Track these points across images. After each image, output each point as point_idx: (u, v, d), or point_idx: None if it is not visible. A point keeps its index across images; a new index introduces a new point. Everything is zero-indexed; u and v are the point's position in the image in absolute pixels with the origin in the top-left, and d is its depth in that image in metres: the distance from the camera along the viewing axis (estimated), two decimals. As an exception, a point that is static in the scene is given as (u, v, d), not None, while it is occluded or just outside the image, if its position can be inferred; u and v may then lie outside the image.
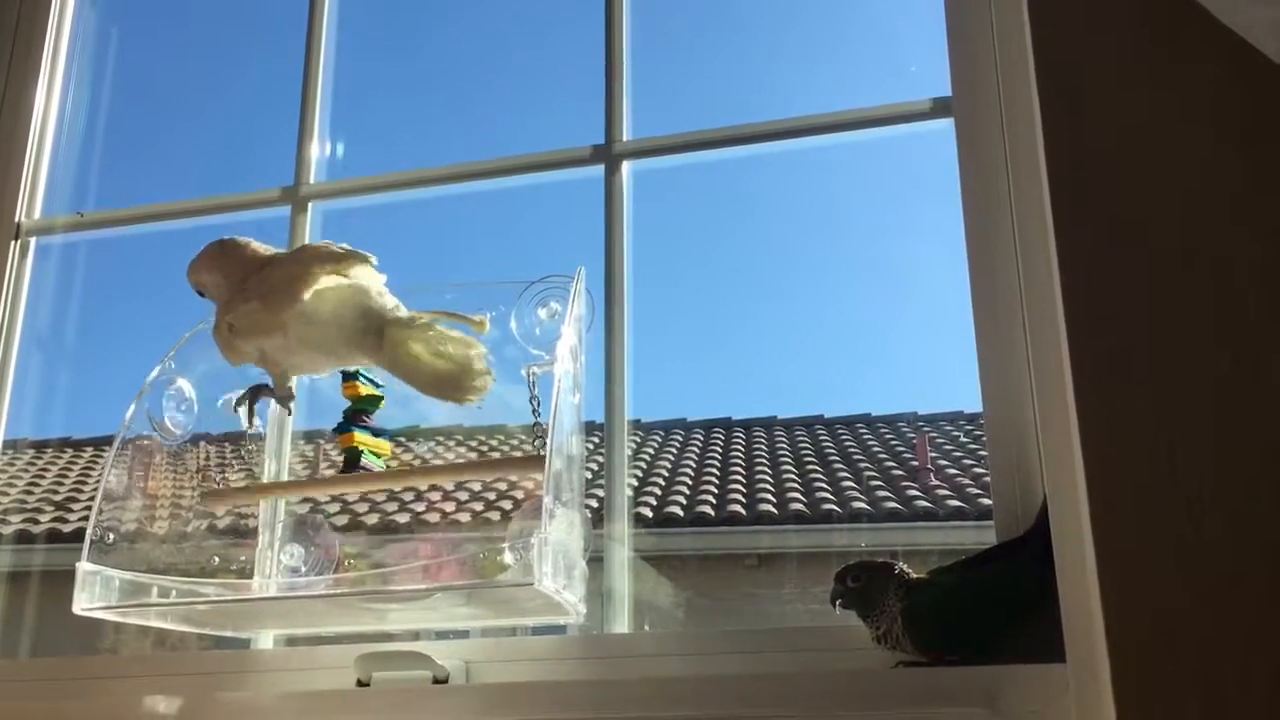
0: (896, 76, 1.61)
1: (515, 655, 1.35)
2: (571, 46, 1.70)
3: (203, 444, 1.51)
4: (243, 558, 1.48)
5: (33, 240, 1.82)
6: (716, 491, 2.10)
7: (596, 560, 1.37)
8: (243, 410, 1.42)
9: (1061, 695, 1.07)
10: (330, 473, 1.98)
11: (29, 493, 2.41)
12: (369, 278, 1.36)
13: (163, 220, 1.83)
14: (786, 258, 1.86)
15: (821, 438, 2.25)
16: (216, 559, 1.47)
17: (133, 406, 1.42)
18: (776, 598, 1.80)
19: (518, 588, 1.19)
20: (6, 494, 2.24)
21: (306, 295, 1.32)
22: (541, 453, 1.28)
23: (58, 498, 2.42)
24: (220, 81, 2.13)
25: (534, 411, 1.33)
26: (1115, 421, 1.04)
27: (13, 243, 1.78)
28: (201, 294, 1.41)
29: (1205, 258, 1.06)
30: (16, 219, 1.80)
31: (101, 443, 2.24)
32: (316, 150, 1.73)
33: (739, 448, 2.26)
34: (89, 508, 1.39)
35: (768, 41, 1.81)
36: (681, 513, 2.03)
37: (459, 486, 1.86)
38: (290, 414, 1.46)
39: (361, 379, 1.41)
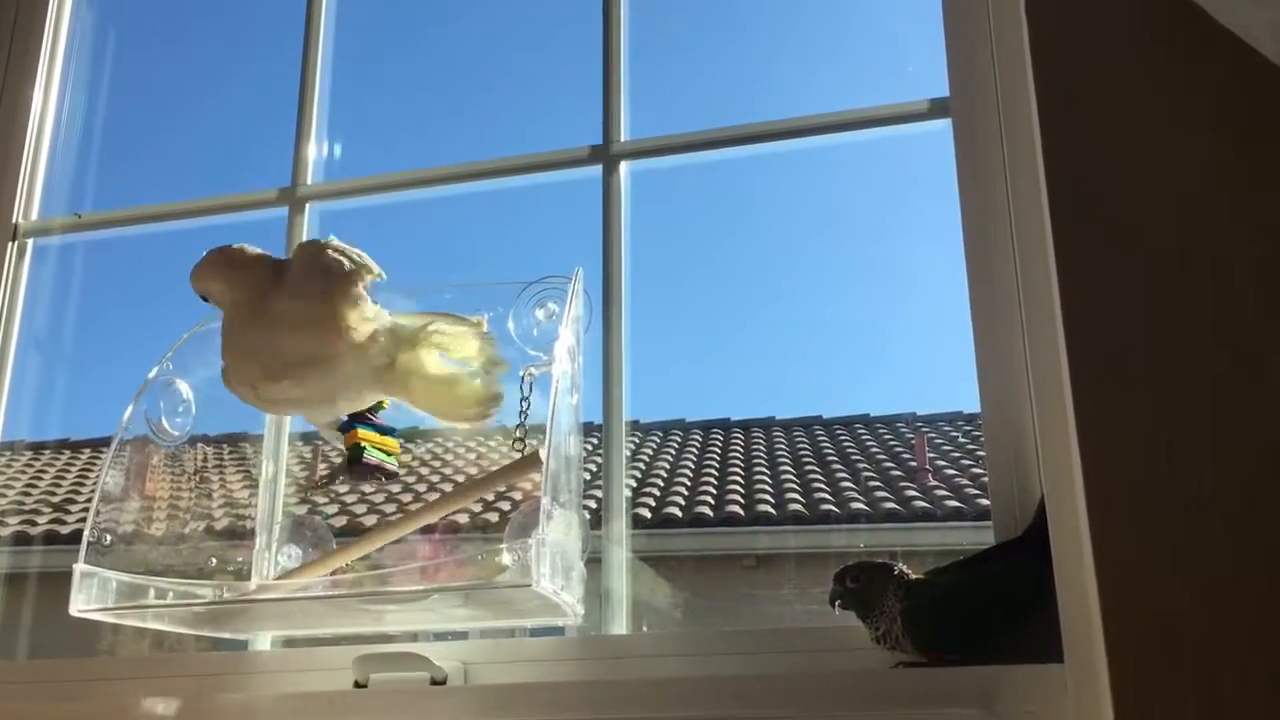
0: (894, 77, 1.61)
1: (513, 656, 1.35)
2: (569, 47, 1.70)
3: (200, 445, 1.51)
4: (240, 559, 1.48)
5: (30, 241, 1.82)
6: (715, 492, 2.10)
7: (595, 561, 1.37)
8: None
9: (1059, 695, 1.07)
10: (324, 469, 1.99)
11: (26, 494, 2.41)
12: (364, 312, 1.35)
13: (160, 221, 1.83)
14: (784, 258, 1.86)
15: (820, 438, 2.25)
16: (214, 560, 1.47)
17: (130, 408, 1.42)
18: (775, 598, 1.80)
19: (516, 589, 1.19)
20: (4, 495, 2.24)
21: (342, 378, 1.32)
22: (528, 453, 1.28)
23: (55, 499, 2.42)
24: (218, 82, 2.13)
25: (521, 413, 1.33)
26: (1113, 422, 1.04)
27: (10, 244, 1.78)
28: (205, 300, 1.40)
29: (1203, 258, 1.06)
30: (14, 220, 1.79)
31: (99, 444, 2.24)
32: (314, 151, 1.73)
33: (738, 448, 2.26)
34: (87, 509, 1.39)
35: (766, 42, 1.82)
36: (680, 513, 2.03)
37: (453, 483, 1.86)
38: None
39: None
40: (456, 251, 1.87)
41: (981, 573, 1.21)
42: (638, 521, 1.85)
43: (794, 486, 2.06)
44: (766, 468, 2.15)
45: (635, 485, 2.07)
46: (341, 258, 1.35)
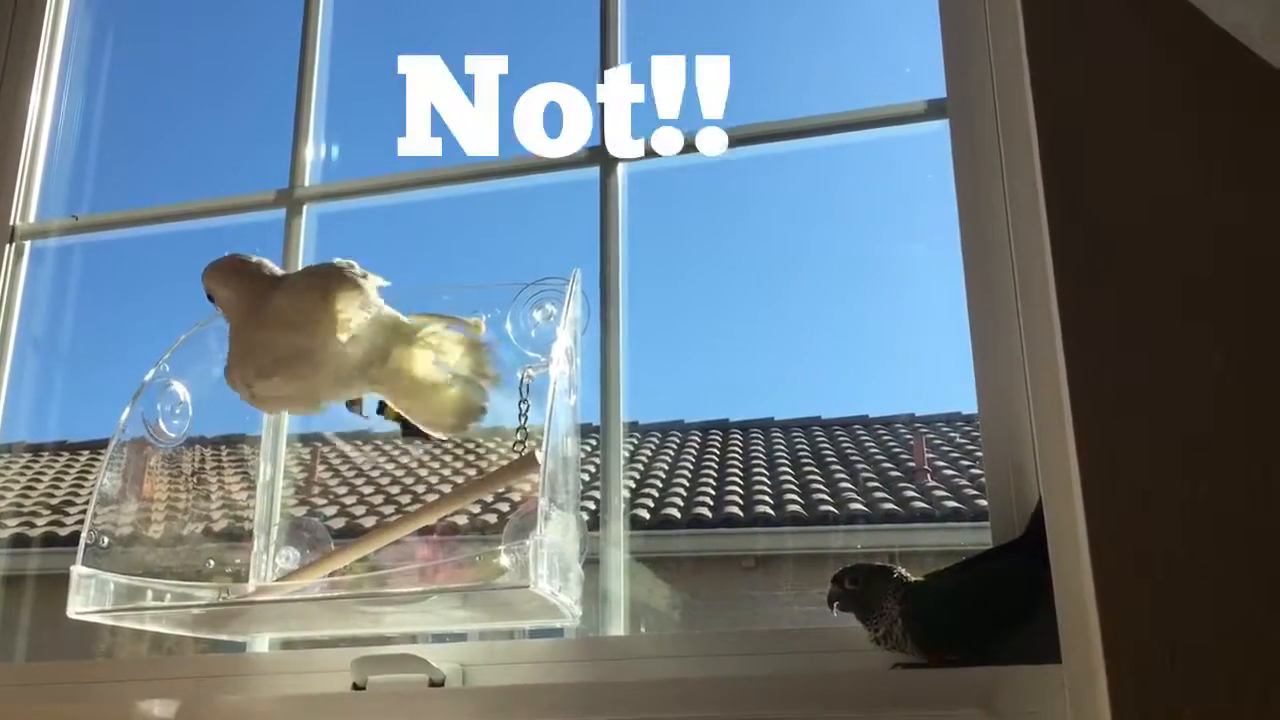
0: (891, 78, 1.61)
1: (511, 658, 1.35)
2: (567, 49, 1.70)
3: (198, 446, 1.51)
4: (238, 560, 1.48)
5: (28, 244, 1.82)
6: (714, 493, 2.10)
7: (593, 562, 1.37)
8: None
9: (1057, 696, 1.07)
10: (322, 470, 1.99)
11: (25, 496, 2.41)
12: (367, 299, 1.36)
13: (157, 223, 1.83)
14: (782, 259, 1.86)
15: (819, 439, 2.25)
16: (211, 563, 1.47)
17: (127, 410, 1.42)
18: (773, 599, 1.80)
19: (514, 590, 1.19)
20: (2, 497, 2.24)
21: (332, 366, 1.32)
22: (526, 454, 1.29)
23: (54, 501, 2.42)
24: (215, 84, 2.13)
25: (521, 416, 1.33)
26: (1110, 424, 1.04)
27: (8, 246, 1.78)
28: (211, 300, 1.41)
29: (1201, 258, 1.06)
30: (11, 222, 1.79)
31: (98, 445, 2.23)
32: (311, 153, 1.73)
33: (736, 449, 2.26)
34: (85, 511, 1.39)
35: (762, 43, 1.82)
36: (679, 514, 2.03)
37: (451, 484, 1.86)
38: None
39: None
40: (454, 253, 1.87)
41: (980, 574, 1.21)
42: (636, 523, 1.85)
43: (793, 487, 2.06)
44: (765, 469, 2.15)
45: (634, 486, 2.07)
46: (343, 261, 1.36)
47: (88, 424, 2.17)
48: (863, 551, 1.94)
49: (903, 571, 1.21)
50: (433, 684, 1.31)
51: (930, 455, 2.06)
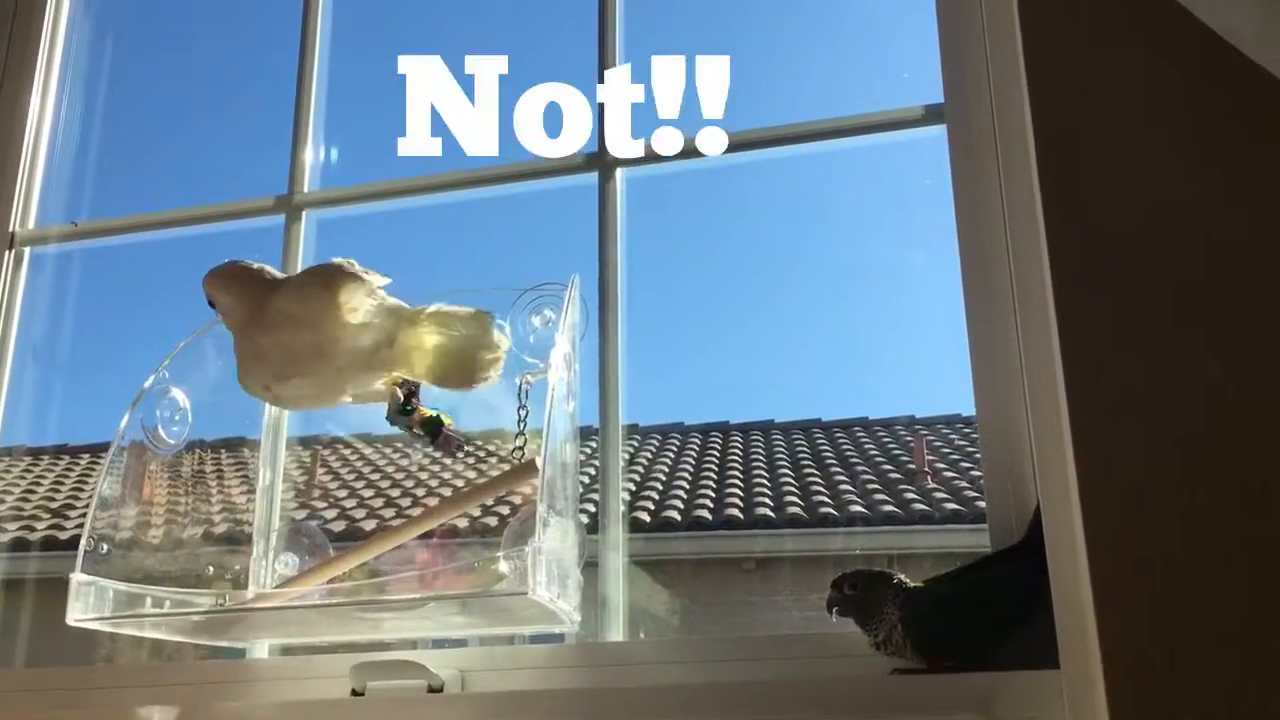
0: (889, 83, 1.61)
1: (510, 664, 1.35)
2: (565, 54, 1.70)
3: (197, 451, 1.51)
4: (237, 566, 1.48)
5: (27, 250, 1.82)
6: (714, 495, 2.10)
7: (592, 565, 1.37)
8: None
9: (1056, 701, 1.07)
10: (322, 473, 1.99)
11: (25, 500, 2.41)
12: (368, 291, 1.36)
13: (157, 229, 1.83)
14: (782, 263, 1.86)
15: (819, 441, 2.25)
16: (211, 569, 1.47)
17: (126, 416, 1.42)
18: (772, 603, 1.80)
19: (512, 597, 1.19)
20: (3, 501, 2.24)
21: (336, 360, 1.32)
22: (524, 460, 1.29)
23: (54, 505, 2.42)
24: (214, 90, 2.13)
25: (520, 421, 1.33)
26: (1107, 428, 1.04)
27: (7, 252, 1.78)
28: (212, 306, 1.41)
29: (1198, 263, 1.07)
30: (11, 229, 1.79)
31: (98, 449, 2.23)
32: (310, 158, 1.73)
33: (736, 451, 2.26)
34: (85, 515, 1.39)
35: (760, 48, 1.82)
36: (679, 517, 2.03)
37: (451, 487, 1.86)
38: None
39: None
40: (453, 258, 1.87)
41: (979, 580, 1.21)
42: (636, 525, 1.85)
43: (793, 489, 2.06)
44: (765, 471, 2.15)
45: (634, 489, 2.07)
46: (341, 259, 1.37)
47: (88, 428, 2.17)
48: (862, 554, 1.94)
49: (902, 577, 1.21)
50: (432, 690, 1.31)
51: (930, 457, 2.06)
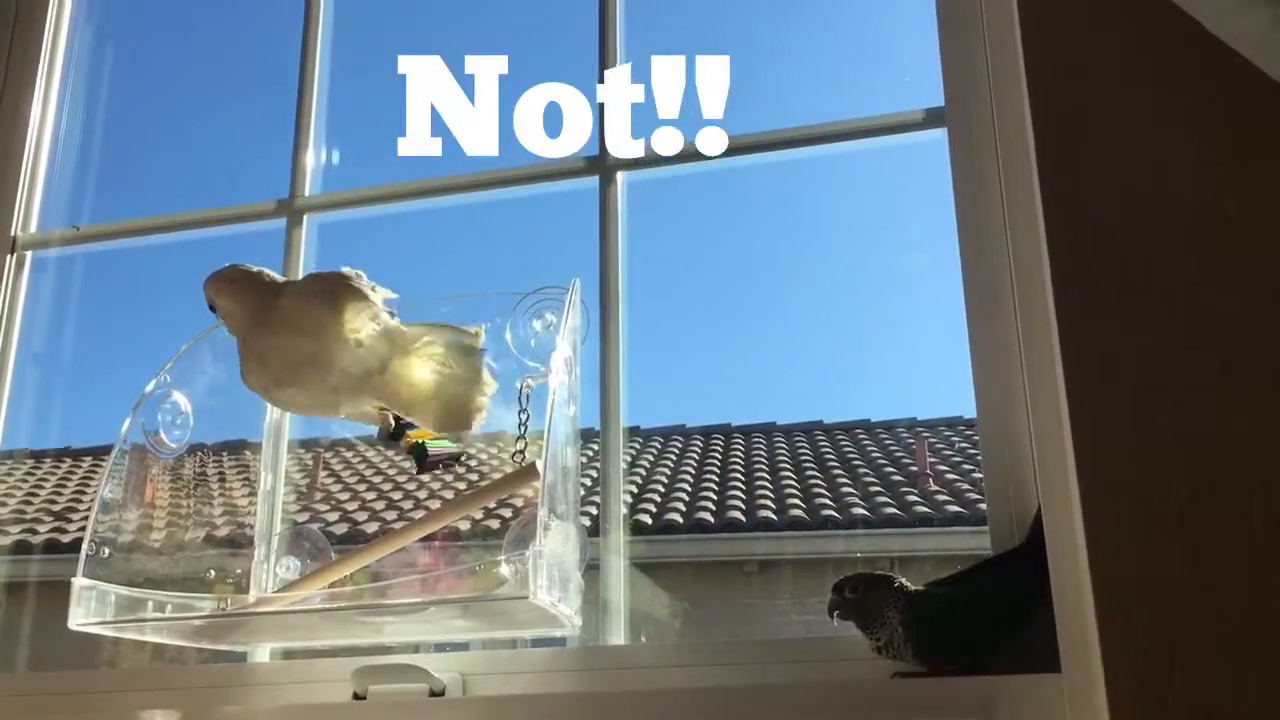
0: (890, 87, 1.61)
1: (512, 668, 1.35)
2: (566, 58, 1.70)
3: (199, 454, 1.51)
4: (239, 570, 1.49)
5: (29, 254, 1.82)
6: (716, 498, 2.10)
7: (594, 568, 1.38)
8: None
9: (1057, 705, 1.07)
10: (324, 476, 1.99)
11: (28, 503, 2.41)
12: (370, 311, 1.36)
13: (158, 233, 1.83)
14: (783, 265, 1.86)
15: (821, 443, 2.25)
16: (212, 572, 1.47)
17: (128, 421, 1.42)
18: (774, 606, 1.80)
19: (513, 601, 1.20)
20: (5, 504, 2.24)
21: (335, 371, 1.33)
22: (525, 464, 1.29)
23: (56, 508, 2.42)
24: (215, 94, 2.13)
25: (521, 425, 1.33)
26: (1108, 430, 1.04)
27: (9, 256, 1.79)
28: (213, 310, 1.41)
29: (1198, 265, 1.07)
30: (12, 233, 1.80)
31: (100, 452, 2.23)
32: (312, 162, 1.74)
33: (738, 454, 2.26)
34: (87, 518, 1.40)
35: (761, 52, 1.82)
36: (681, 519, 2.03)
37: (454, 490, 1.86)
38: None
39: None
40: (454, 262, 1.87)
41: (980, 583, 1.21)
42: (638, 528, 1.85)
43: (795, 492, 2.06)
44: (767, 473, 2.15)
45: (636, 491, 2.07)
46: (351, 271, 1.38)
47: (90, 431, 2.18)
48: (863, 557, 1.93)
49: (903, 580, 1.21)
50: (433, 694, 1.31)
51: (932, 459, 2.06)
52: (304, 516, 1.73)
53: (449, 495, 1.81)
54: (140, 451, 1.45)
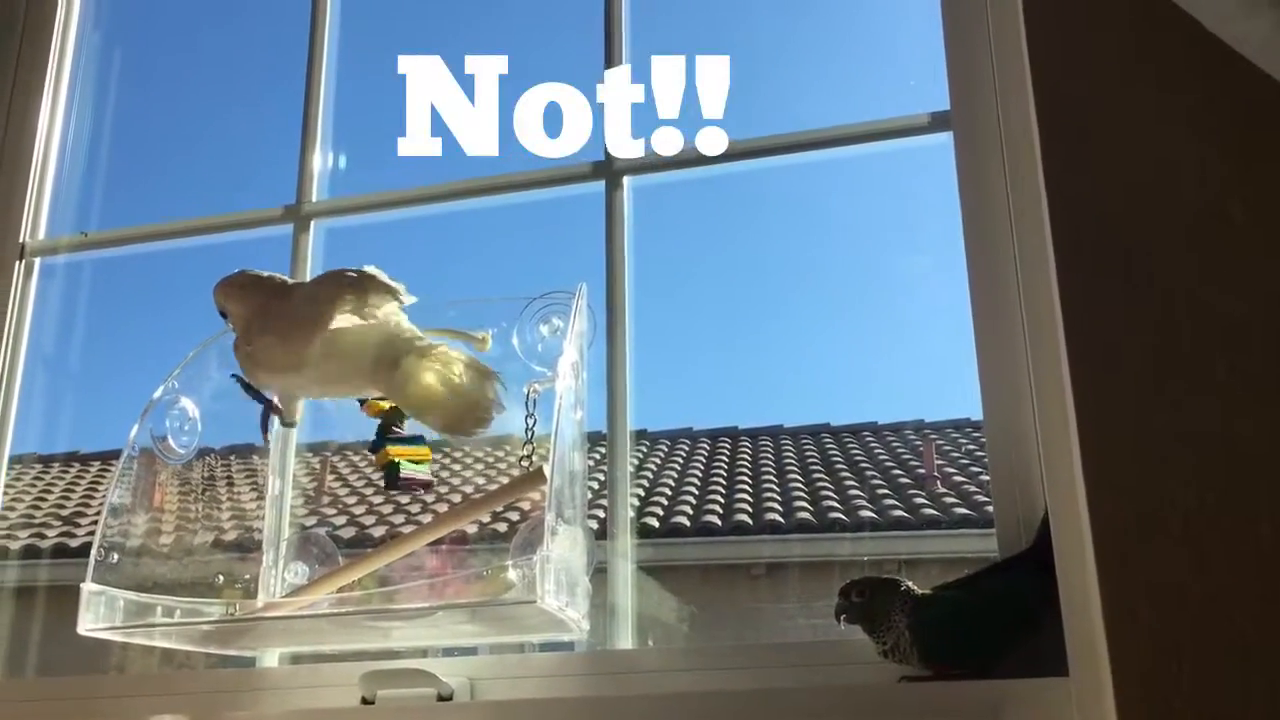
0: (895, 91, 1.61)
1: (519, 672, 1.35)
2: (571, 62, 1.70)
3: (207, 458, 1.52)
4: (247, 575, 1.49)
5: (38, 260, 1.82)
6: (723, 501, 2.10)
7: (601, 572, 1.38)
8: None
9: (1065, 709, 1.07)
10: (331, 480, 1.99)
11: (36, 507, 2.42)
12: (393, 309, 1.36)
13: (166, 239, 1.84)
14: (790, 268, 1.86)
15: (828, 446, 2.25)
16: (221, 577, 1.47)
17: (136, 427, 1.43)
18: (781, 610, 1.80)
19: (521, 605, 1.20)
20: (13, 509, 2.25)
21: (318, 340, 1.32)
22: (533, 469, 1.29)
23: (65, 512, 2.43)
24: (223, 100, 2.14)
25: (528, 430, 1.34)
26: (1115, 435, 1.04)
27: (18, 262, 1.79)
28: (224, 315, 1.42)
29: (1204, 267, 1.07)
30: (21, 239, 1.80)
31: (109, 456, 2.25)
32: (319, 166, 1.74)
33: (745, 456, 2.26)
34: (96, 522, 1.40)
35: (766, 56, 1.82)
36: (688, 523, 2.03)
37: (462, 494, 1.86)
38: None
39: None
40: (461, 267, 1.87)
41: (987, 587, 1.21)
42: (646, 531, 1.85)
43: (802, 495, 2.06)
44: (775, 476, 2.15)
45: (644, 494, 2.07)
46: (374, 269, 1.39)
47: (98, 436, 2.19)
48: (870, 559, 1.94)
49: (910, 584, 1.21)
50: (441, 698, 1.31)
51: (940, 461, 2.06)
52: (312, 521, 1.74)
53: (458, 499, 1.82)
54: (148, 457, 1.45)
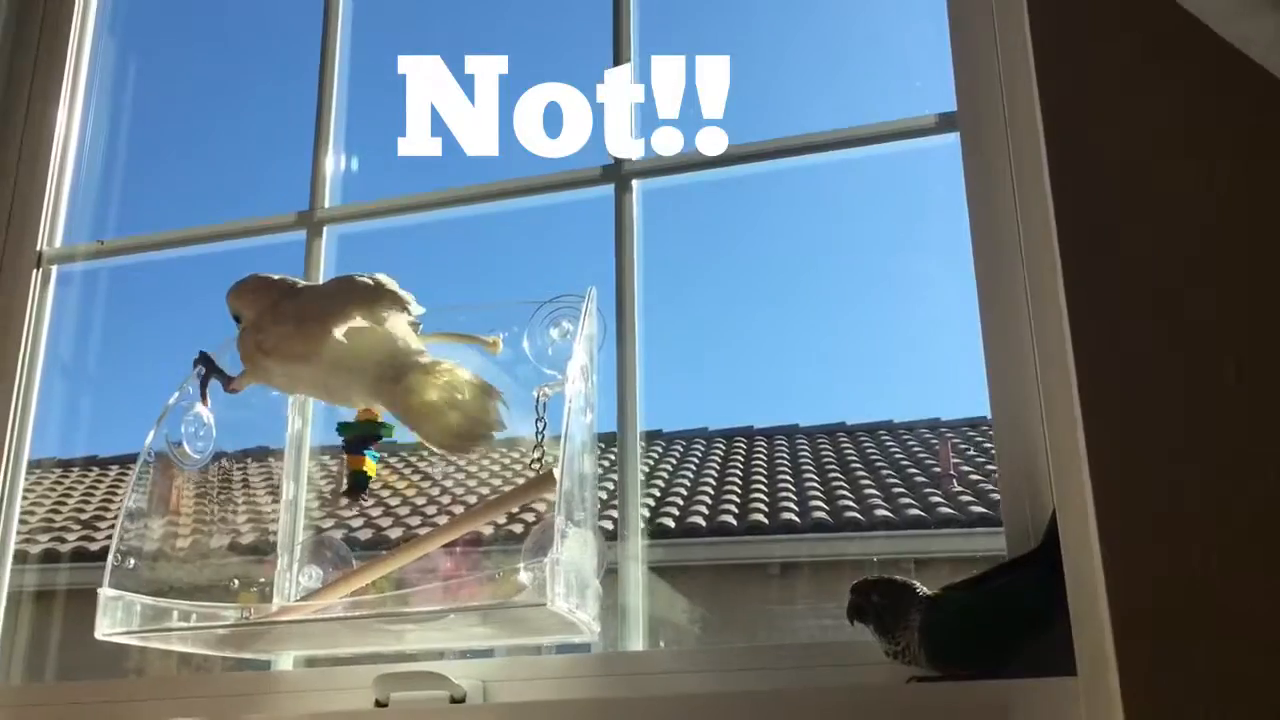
0: (902, 92, 1.62)
1: (532, 674, 1.36)
2: (579, 66, 1.71)
3: (223, 461, 1.53)
4: (262, 579, 1.50)
5: (55, 268, 1.83)
6: (739, 501, 2.10)
7: (612, 572, 1.38)
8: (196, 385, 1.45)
9: (1073, 708, 1.07)
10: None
11: (56, 511, 2.44)
12: (401, 322, 1.37)
13: (180, 246, 1.85)
14: (801, 269, 1.86)
15: (844, 445, 2.25)
16: (236, 581, 1.48)
17: (152, 433, 1.44)
18: (795, 610, 1.80)
19: (532, 608, 1.20)
20: (33, 513, 2.27)
21: (339, 332, 1.33)
22: (543, 472, 1.30)
23: (84, 516, 2.45)
24: (236, 108, 2.15)
25: (538, 433, 1.34)
26: (1122, 435, 1.04)
27: (35, 271, 1.80)
28: (237, 320, 1.43)
29: (1209, 268, 1.06)
30: (39, 248, 1.81)
31: (126, 460, 2.26)
32: (331, 172, 1.75)
33: (761, 456, 2.26)
34: (114, 526, 1.41)
35: (773, 59, 1.82)
36: (704, 522, 2.03)
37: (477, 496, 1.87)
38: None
39: None
40: (472, 271, 1.88)
41: (996, 587, 1.21)
42: (661, 531, 1.86)
43: (818, 494, 2.06)
44: (790, 475, 2.15)
45: (658, 495, 2.08)
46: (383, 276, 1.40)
47: (116, 440, 2.20)
48: (881, 559, 1.94)
49: (921, 586, 1.21)
50: (454, 700, 1.32)
51: (955, 460, 2.06)
52: (329, 523, 1.75)
53: (474, 500, 1.83)
54: (165, 462, 1.46)
